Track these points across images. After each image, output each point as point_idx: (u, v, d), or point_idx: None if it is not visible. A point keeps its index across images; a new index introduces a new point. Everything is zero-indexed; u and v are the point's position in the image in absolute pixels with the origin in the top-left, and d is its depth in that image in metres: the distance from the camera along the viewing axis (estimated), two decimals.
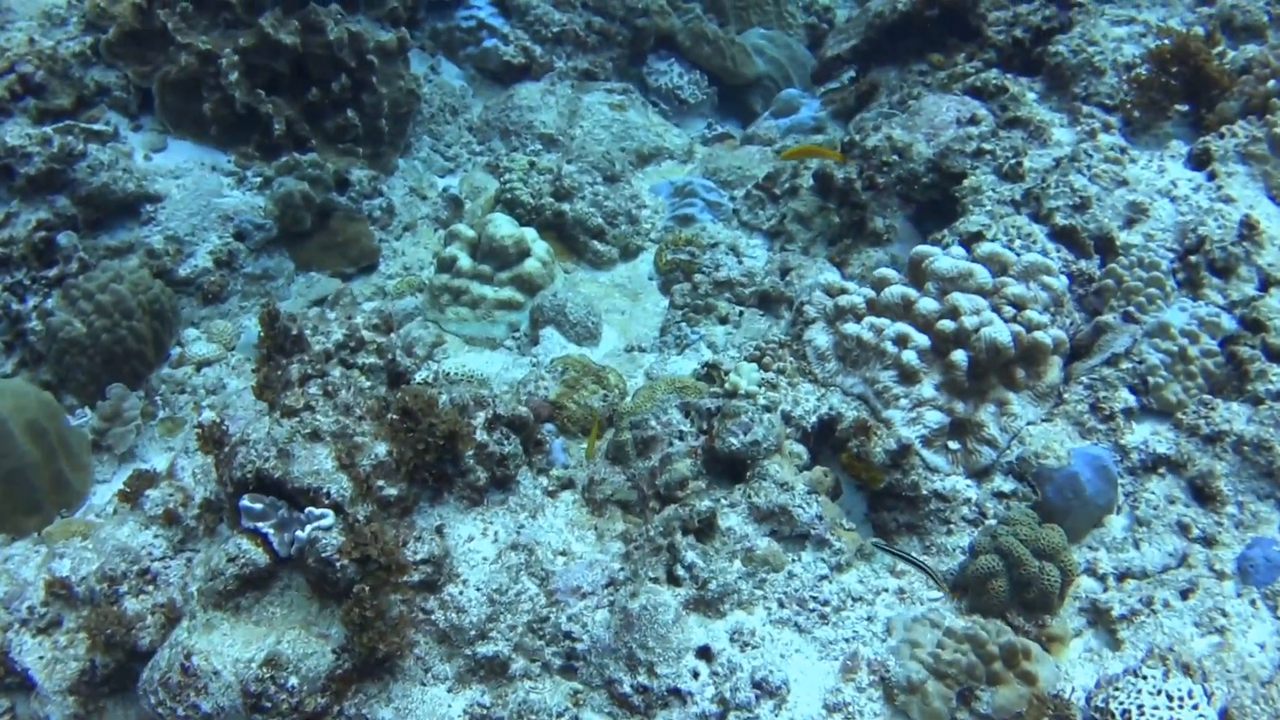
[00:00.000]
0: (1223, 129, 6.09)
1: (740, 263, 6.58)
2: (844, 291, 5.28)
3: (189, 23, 7.78)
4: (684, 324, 6.35)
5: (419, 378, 5.84)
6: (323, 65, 7.84)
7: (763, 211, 7.26)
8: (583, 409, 5.70)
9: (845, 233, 6.82)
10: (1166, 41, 6.41)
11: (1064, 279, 5.31)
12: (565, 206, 7.26)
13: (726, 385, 5.11)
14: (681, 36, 9.24)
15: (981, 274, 5.06)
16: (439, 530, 4.72)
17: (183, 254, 7.10)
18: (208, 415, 6.35)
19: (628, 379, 6.22)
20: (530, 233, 7.00)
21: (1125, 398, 5.05)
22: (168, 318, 6.71)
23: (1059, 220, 5.77)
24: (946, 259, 5.11)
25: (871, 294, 5.26)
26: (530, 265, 6.82)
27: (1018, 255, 5.32)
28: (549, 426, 5.54)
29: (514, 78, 8.57)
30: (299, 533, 4.46)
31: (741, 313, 6.34)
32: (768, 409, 4.99)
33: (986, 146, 6.36)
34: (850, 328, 5.08)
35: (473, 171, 8.13)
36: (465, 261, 6.92)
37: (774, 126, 8.28)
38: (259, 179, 7.42)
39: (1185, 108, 6.62)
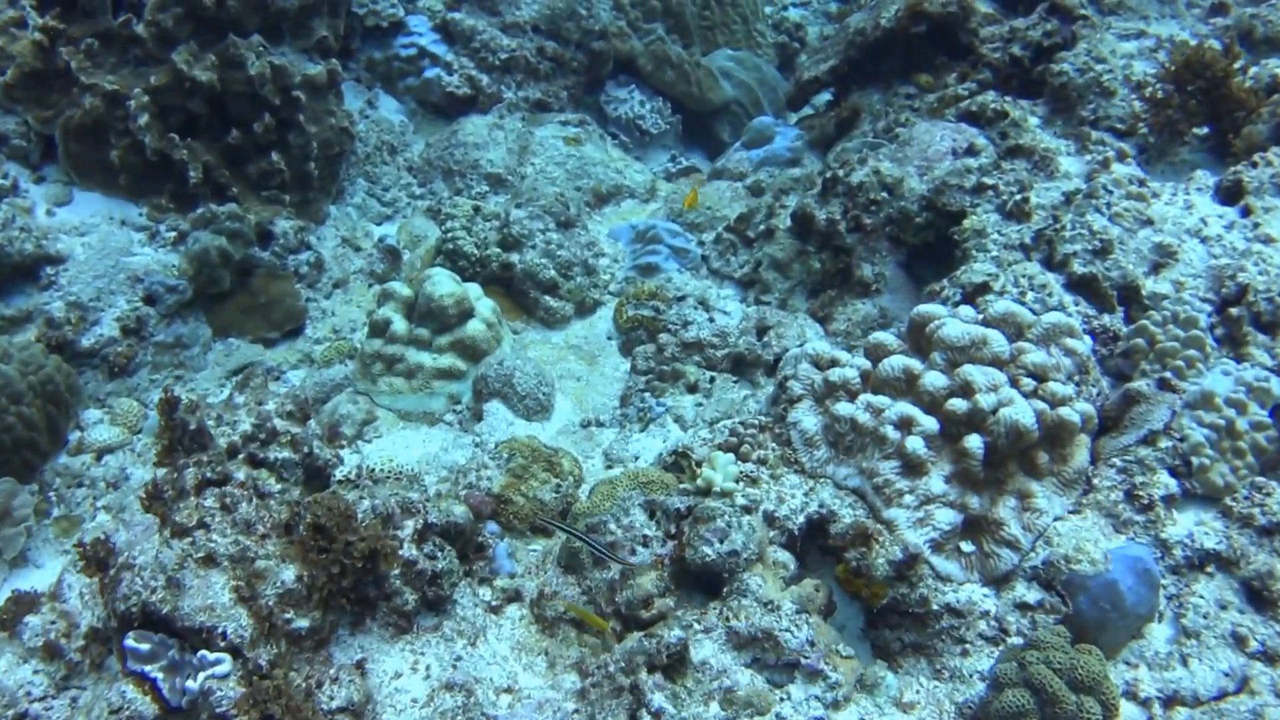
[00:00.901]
0: (1255, 157, 5.37)
1: (711, 319, 5.80)
2: (835, 363, 4.51)
3: (95, 61, 6.99)
4: (647, 393, 5.57)
5: (340, 473, 5.07)
6: (244, 104, 7.05)
7: (735, 258, 6.49)
8: (532, 503, 4.94)
9: (828, 281, 6.06)
10: (1182, 57, 5.70)
11: (1089, 341, 4.55)
12: (514, 257, 6.47)
13: (699, 480, 4.34)
14: (642, 60, 8.48)
15: (997, 341, 4.30)
16: (360, 666, 3.95)
17: (86, 322, 6.29)
18: (101, 520, 5.54)
19: (584, 460, 5.45)
20: (474, 289, 6.21)
21: (1165, 482, 4.29)
22: (64, 400, 5.89)
23: (1077, 268, 5.03)
24: (955, 324, 4.34)
25: (867, 365, 4.49)
26: (473, 328, 6.03)
27: (1035, 314, 4.56)
28: (492, 526, 4.77)
29: (459, 111, 7.78)
30: (189, 682, 3.70)
31: (713, 379, 5.57)
32: (747, 510, 4.22)
33: (988, 181, 5.61)
34: (843, 408, 4.31)
35: (412, 218, 7.34)
36: (400, 325, 6.13)
37: (745, 159, 7.52)
38: (173, 234, 6.61)
39: (1205, 130, 5.90)
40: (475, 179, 7.26)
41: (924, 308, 4.58)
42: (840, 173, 6.01)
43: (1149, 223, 5.17)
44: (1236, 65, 5.67)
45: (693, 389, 5.55)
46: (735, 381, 5.51)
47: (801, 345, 5.54)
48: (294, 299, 6.84)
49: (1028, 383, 4.27)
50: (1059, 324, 4.46)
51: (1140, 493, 4.27)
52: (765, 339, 5.62)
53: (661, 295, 6.15)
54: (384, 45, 7.89)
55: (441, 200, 7.27)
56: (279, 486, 4.61)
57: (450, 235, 6.55)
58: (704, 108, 8.80)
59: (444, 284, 6.05)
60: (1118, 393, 4.59)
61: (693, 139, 9.05)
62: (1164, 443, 4.36)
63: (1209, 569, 4.18)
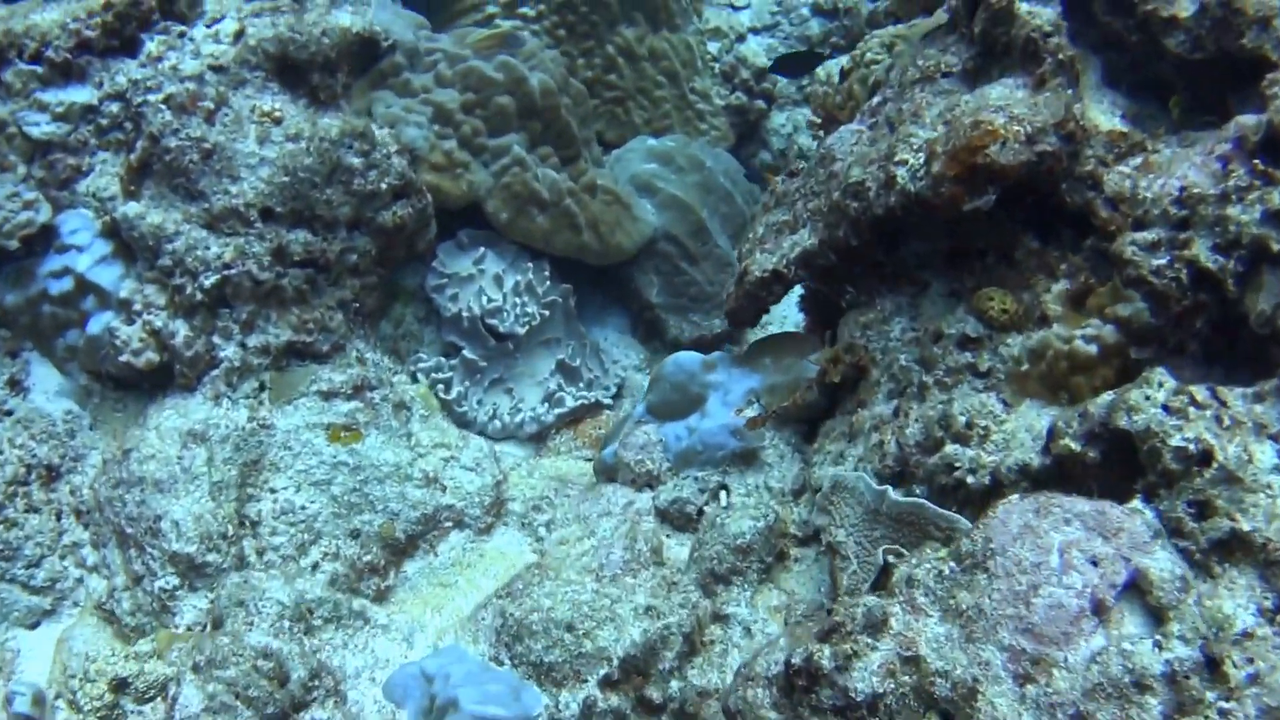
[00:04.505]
0: None
1: None
2: None
3: None
4: None
5: None
6: None
7: None
8: None
9: None
10: None
11: None
12: None
13: None
14: (493, 205, 4.93)
15: None
16: None
17: None
18: None
19: None
20: None
21: None
22: None
23: None
24: None
25: None
26: None
27: None
28: None
29: (155, 385, 4.38)
30: None
31: None
32: None
33: (1199, 691, 2.16)
34: None
35: (81, 619, 4.02)
36: None
37: (655, 442, 3.94)
38: None
39: None
40: (157, 558, 3.88)
41: None
42: (823, 656, 2.55)
43: None
44: None
45: None
46: None
47: None
48: None
49: None
50: None
51: None
52: None
53: None
54: (23, 276, 4.44)
55: (116, 594, 3.93)
56: None
57: None
58: (611, 260, 5.27)
59: None
60: None
61: (603, 304, 5.55)
62: None
63: None
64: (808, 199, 3.98)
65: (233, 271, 4.27)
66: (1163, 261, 3.00)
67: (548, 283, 5.02)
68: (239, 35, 4.62)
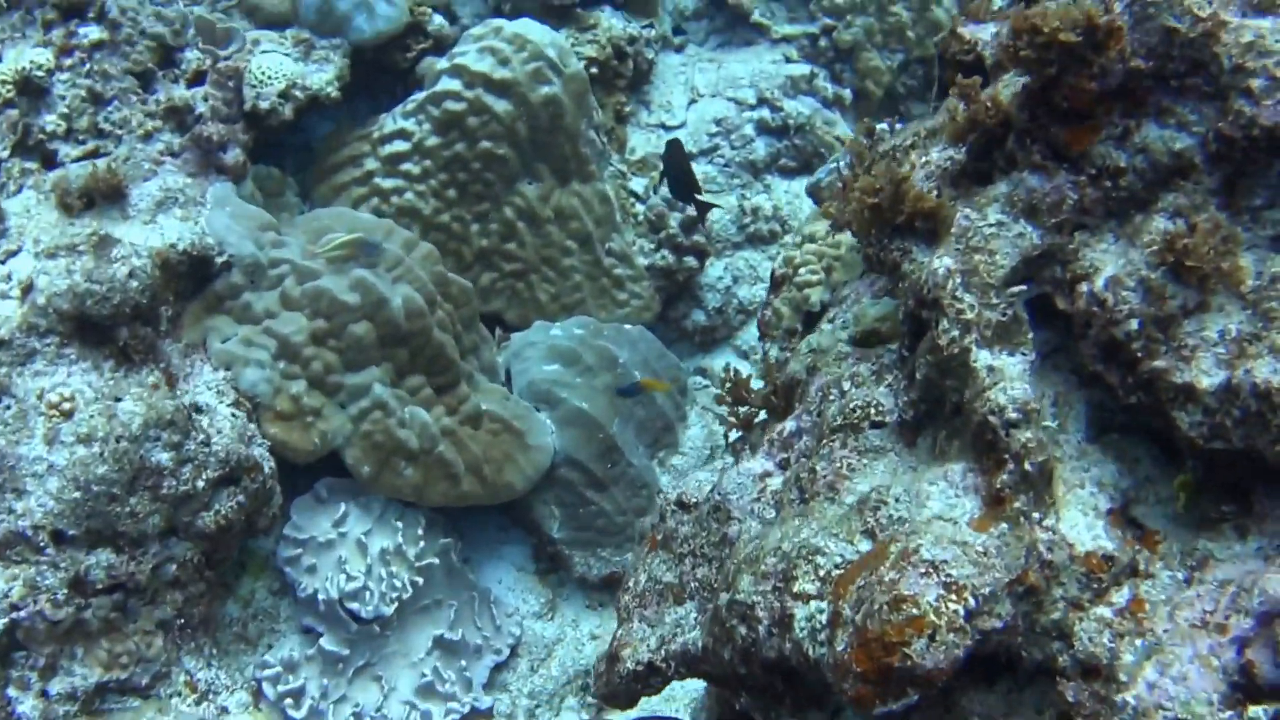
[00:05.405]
0: None
1: None
2: None
3: None
4: None
5: None
6: None
7: None
8: None
9: None
10: None
11: None
12: None
13: None
14: (353, 456, 4.14)
15: None
16: None
17: None
18: None
19: None
20: None
21: None
22: None
23: None
24: None
25: None
26: None
27: None
28: None
29: None
30: None
31: None
32: None
33: None
34: None
35: None
36: None
37: None
38: None
39: None
40: None
41: None
42: None
43: None
44: None
45: None
46: None
47: None
48: None
49: None
50: None
51: None
52: None
53: None
54: None
55: None
56: None
57: None
58: (501, 500, 4.50)
59: None
60: None
61: (500, 527, 4.80)
62: None
63: None
64: (697, 560, 3.19)
65: (22, 614, 3.53)
66: None
67: (422, 542, 4.26)
68: (29, 289, 3.79)
